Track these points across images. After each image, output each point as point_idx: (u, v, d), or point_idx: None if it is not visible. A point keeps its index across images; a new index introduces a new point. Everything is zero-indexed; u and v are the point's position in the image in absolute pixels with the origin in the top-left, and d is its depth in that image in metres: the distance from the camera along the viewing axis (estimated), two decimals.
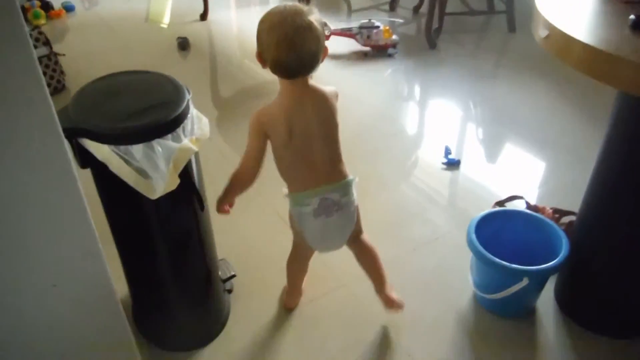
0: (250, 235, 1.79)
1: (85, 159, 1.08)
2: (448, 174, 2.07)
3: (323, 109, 1.21)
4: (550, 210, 1.70)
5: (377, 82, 2.80)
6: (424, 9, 3.33)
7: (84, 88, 1.16)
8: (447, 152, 2.16)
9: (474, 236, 1.40)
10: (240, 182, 1.28)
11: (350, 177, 1.28)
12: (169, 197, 1.07)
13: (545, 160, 2.19)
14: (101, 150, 1.02)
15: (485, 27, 3.50)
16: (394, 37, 2.99)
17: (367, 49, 3.01)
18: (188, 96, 1.14)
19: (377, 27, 2.95)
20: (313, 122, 1.20)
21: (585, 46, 0.95)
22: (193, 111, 1.19)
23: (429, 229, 1.80)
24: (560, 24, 1.02)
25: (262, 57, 1.15)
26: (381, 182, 2.04)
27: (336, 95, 1.25)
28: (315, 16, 1.12)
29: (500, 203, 1.79)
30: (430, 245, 1.74)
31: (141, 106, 1.09)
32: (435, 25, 3.10)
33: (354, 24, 3.06)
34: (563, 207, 1.71)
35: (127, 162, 1.02)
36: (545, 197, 1.94)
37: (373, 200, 1.93)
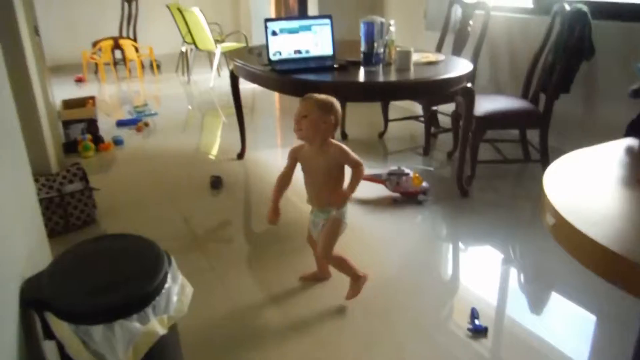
0: None
1: (50, 331, 1.00)
2: (473, 343, 1.86)
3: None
4: None
5: (404, 230, 2.70)
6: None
7: (65, 253, 1.12)
8: (474, 315, 1.97)
9: None
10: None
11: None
12: None
13: (584, 333, 1.95)
14: (61, 329, 0.95)
15: (521, 175, 3.42)
16: (424, 184, 2.94)
17: (397, 195, 2.95)
18: (167, 268, 1.07)
19: (407, 174, 2.91)
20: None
21: (594, 243, 0.81)
22: (178, 278, 1.12)
23: None
24: (567, 213, 0.89)
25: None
26: (396, 346, 1.85)
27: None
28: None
29: None
30: None
31: (113, 279, 1.03)
32: (468, 172, 3.04)
33: (383, 170, 3.04)
34: None
35: (85, 343, 0.93)
36: None
37: None
